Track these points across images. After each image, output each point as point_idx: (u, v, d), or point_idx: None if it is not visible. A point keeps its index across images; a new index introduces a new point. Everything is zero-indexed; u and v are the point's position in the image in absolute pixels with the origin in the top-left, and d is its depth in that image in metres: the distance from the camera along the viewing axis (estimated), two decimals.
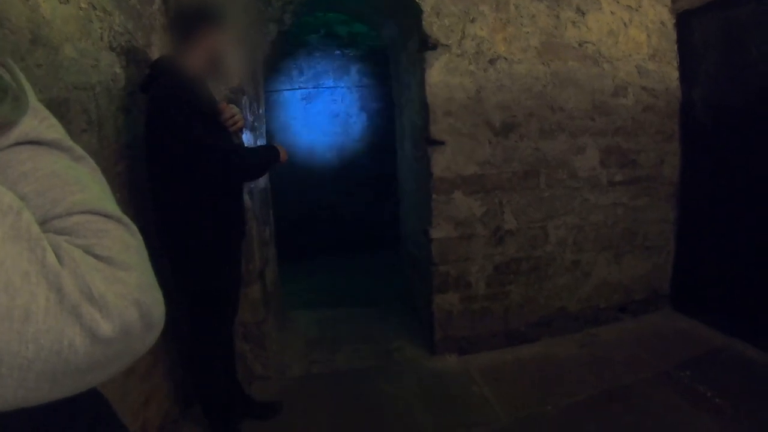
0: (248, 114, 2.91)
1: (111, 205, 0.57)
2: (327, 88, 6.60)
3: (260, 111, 3.34)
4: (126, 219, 0.57)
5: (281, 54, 4.37)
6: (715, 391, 2.62)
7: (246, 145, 2.31)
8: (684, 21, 3.55)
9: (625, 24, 3.47)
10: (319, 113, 6.60)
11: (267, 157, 2.22)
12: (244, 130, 2.36)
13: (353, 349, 3.44)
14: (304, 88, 6.50)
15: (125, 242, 0.54)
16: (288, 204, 5.62)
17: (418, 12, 3.06)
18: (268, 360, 3.06)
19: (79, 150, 0.59)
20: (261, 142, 3.34)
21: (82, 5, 1.82)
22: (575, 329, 3.49)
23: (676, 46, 3.63)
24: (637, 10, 3.50)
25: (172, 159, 2.01)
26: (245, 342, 2.93)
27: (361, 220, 6.88)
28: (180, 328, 2.44)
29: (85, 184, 0.55)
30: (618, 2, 3.44)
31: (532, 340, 3.39)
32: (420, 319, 3.71)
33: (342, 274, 5.64)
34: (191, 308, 2.24)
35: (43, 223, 0.50)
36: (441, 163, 3.14)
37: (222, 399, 2.38)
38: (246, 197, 2.67)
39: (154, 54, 2.41)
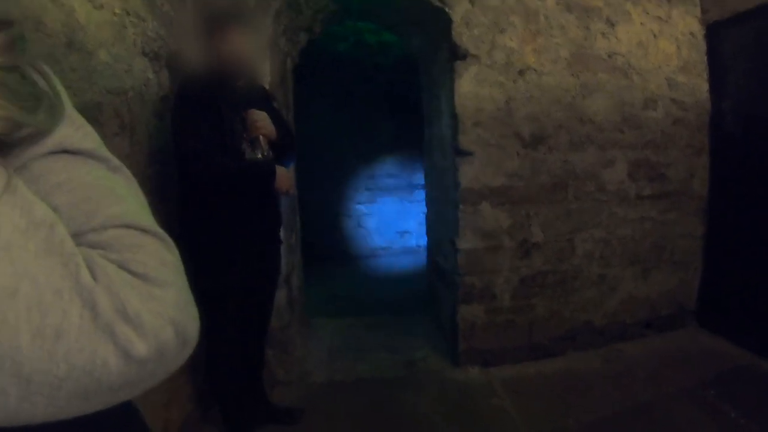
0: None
1: (147, 219, 0.55)
2: (355, 96, 6.62)
3: (290, 117, 3.36)
4: (163, 233, 0.55)
5: (311, 62, 4.40)
6: (739, 410, 2.56)
7: (244, 159, 2.23)
8: (714, 32, 3.50)
9: (654, 35, 3.43)
10: (346, 121, 6.62)
11: (254, 174, 2.18)
12: (267, 136, 2.26)
13: (376, 358, 3.43)
14: (333, 96, 6.52)
15: (161, 258, 0.52)
16: (312, 210, 5.65)
17: (447, 22, 3.07)
18: (291, 366, 3.08)
19: (115, 160, 0.57)
20: None
21: (117, 11, 1.86)
22: (600, 344, 3.44)
23: (705, 58, 3.57)
24: (666, 22, 3.46)
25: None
26: (269, 347, 2.94)
27: (386, 228, 6.91)
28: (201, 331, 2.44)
29: (120, 195, 0.54)
30: (648, 13, 3.40)
31: (556, 354, 3.35)
32: (443, 329, 3.69)
33: (364, 281, 5.64)
34: (201, 306, 2.23)
35: (77, 236, 0.48)
36: (469, 173, 3.13)
37: (233, 400, 2.37)
38: None
39: (186, 59, 2.45)
